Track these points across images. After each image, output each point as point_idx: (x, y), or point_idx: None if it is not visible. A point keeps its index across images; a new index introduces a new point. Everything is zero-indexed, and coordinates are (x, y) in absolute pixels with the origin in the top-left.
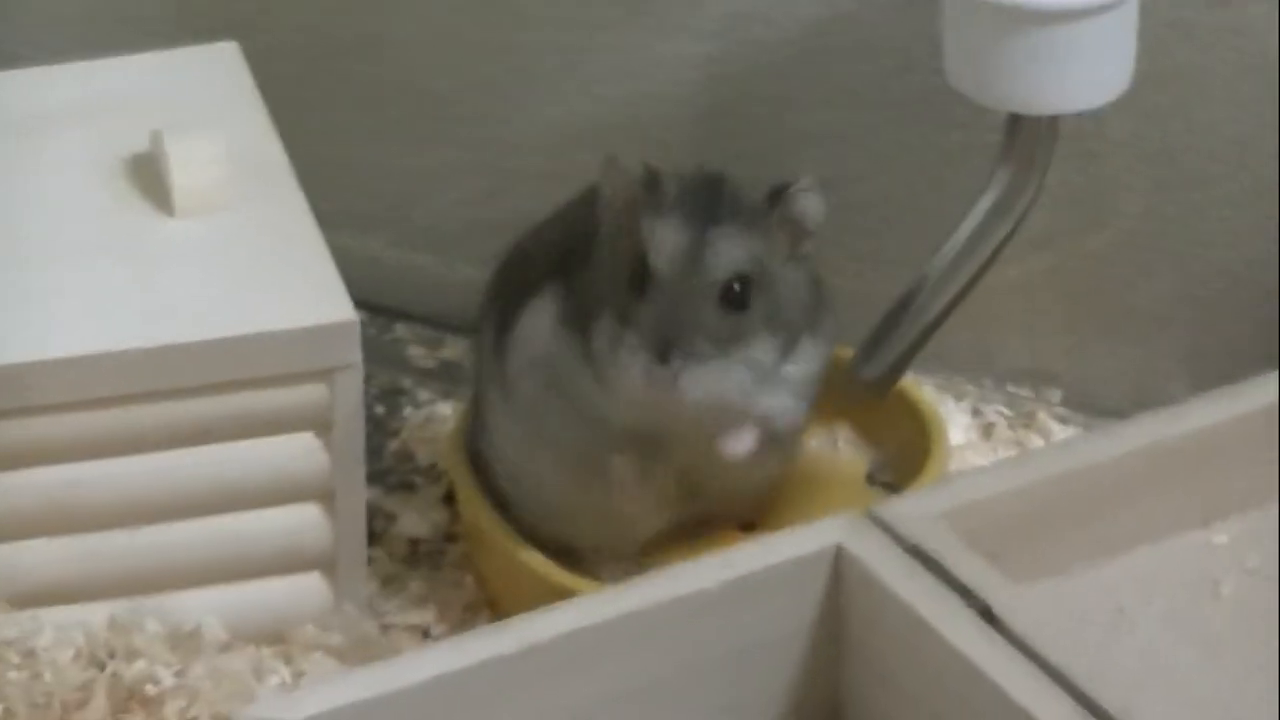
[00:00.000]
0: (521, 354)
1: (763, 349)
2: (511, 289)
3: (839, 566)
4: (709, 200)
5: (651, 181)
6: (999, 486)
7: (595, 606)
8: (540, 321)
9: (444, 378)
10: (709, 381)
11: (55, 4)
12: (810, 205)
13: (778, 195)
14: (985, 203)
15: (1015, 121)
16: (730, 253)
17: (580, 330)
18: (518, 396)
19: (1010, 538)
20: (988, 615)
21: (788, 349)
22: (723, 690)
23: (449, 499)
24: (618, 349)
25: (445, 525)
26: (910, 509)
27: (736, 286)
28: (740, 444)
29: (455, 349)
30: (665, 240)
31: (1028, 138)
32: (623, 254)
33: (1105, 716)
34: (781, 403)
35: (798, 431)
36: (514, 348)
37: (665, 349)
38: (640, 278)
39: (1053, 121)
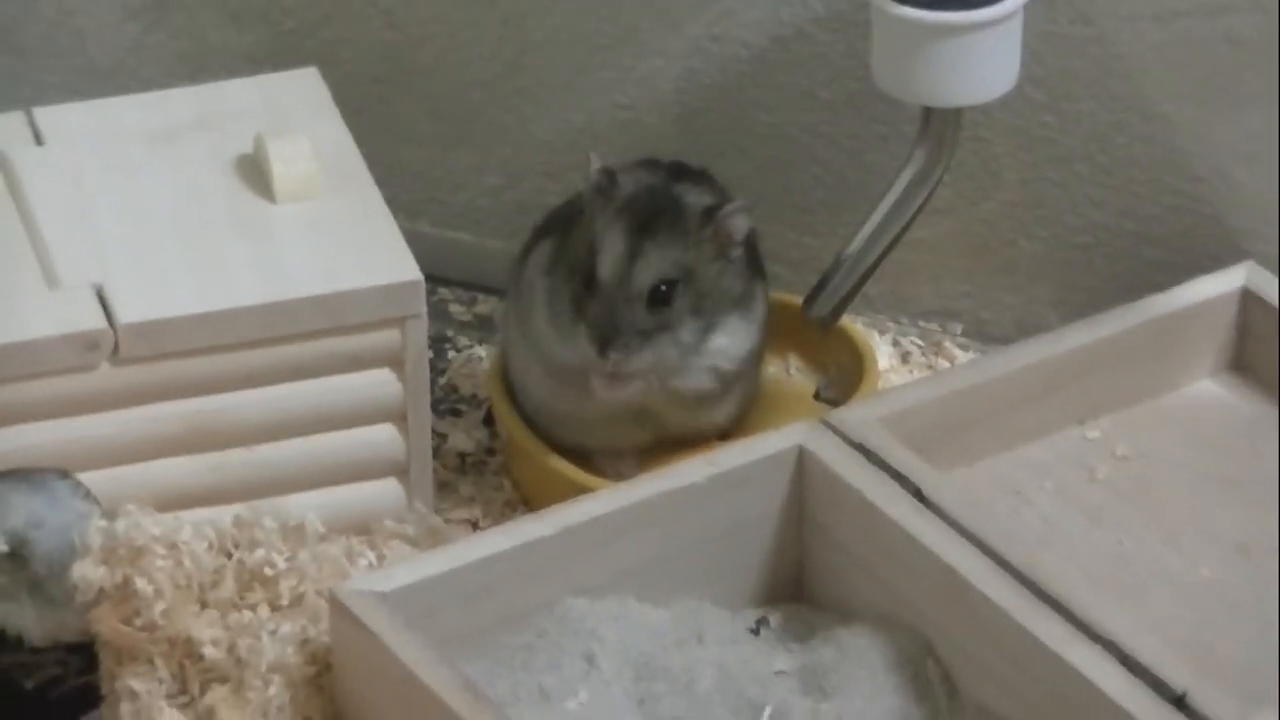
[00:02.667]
0: (523, 286)
1: (686, 331)
2: (529, 246)
3: (801, 462)
4: (649, 212)
5: (607, 186)
6: (922, 397)
7: (612, 497)
8: (539, 262)
9: (479, 328)
10: (638, 364)
11: (174, 42)
12: (736, 223)
13: (710, 213)
14: (905, 178)
15: (928, 113)
16: (657, 264)
17: (553, 286)
18: (517, 322)
19: (932, 436)
20: (919, 495)
21: (710, 329)
22: (711, 561)
23: (488, 421)
24: (575, 337)
25: (486, 442)
26: (855, 416)
27: (662, 288)
28: (610, 391)
29: (487, 305)
30: (608, 249)
31: (938, 125)
32: (583, 247)
33: (1014, 570)
34: (696, 375)
35: (747, 387)
36: (519, 282)
37: (604, 346)
38: (590, 279)
39: (958, 112)
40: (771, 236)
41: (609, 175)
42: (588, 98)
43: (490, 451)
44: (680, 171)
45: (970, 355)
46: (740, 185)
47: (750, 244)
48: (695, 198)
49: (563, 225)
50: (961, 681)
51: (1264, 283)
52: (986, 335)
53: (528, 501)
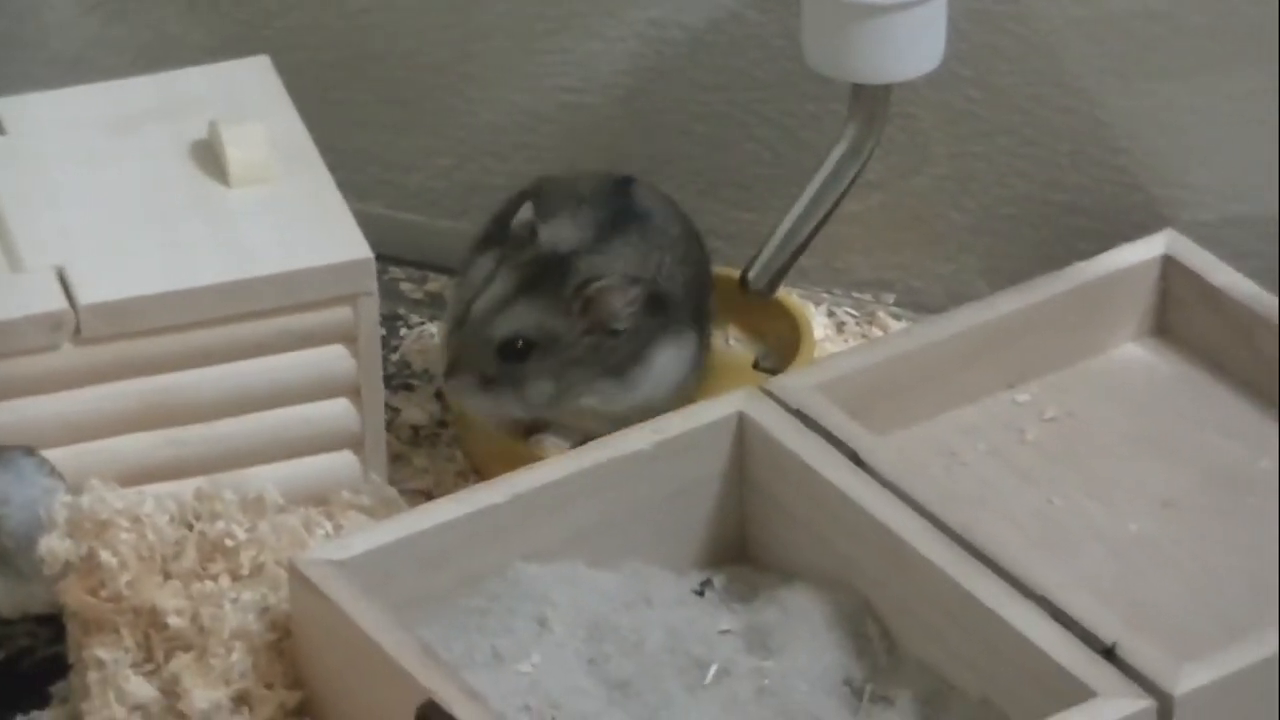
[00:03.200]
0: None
1: (536, 390)
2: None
3: (742, 428)
4: (540, 273)
5: (526, 238)
6: (857, 364)
7: (562, 465)
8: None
9: (430, 305)
10: (475, 404)
11: (134, 34)
12: (608, 299)
13: (581, 286)
14: (836, 153)
15: (858, 90)
16: (515, 323)
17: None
18: None
19: (867, 402)
20: (855, 459)
21: (569, 391)
22: (658, 524)
23: (439, 395)
24: (444, 349)
25: (438, 415)
26: (793, 384)
27: (519, 344)
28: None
29: (437, 284)
30: (490, 292)
31: (868, 102)
32: (485, 277)
33: (950, 530)
34: (554, 432)
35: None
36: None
37: (448, 373)
38: (469, 305)
39: (887, 89)
40: (709, 213)
41: (530, 228)
42: (533, 81)
43: (442, 424)
44: (607, 206)
45: (903, 324)
46: (680, 163)
47: (680, 286)
48: (599, 264)
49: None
50: (900, 638)
51: (1184, 249)
52: (919, 304)
53: (479, 471)
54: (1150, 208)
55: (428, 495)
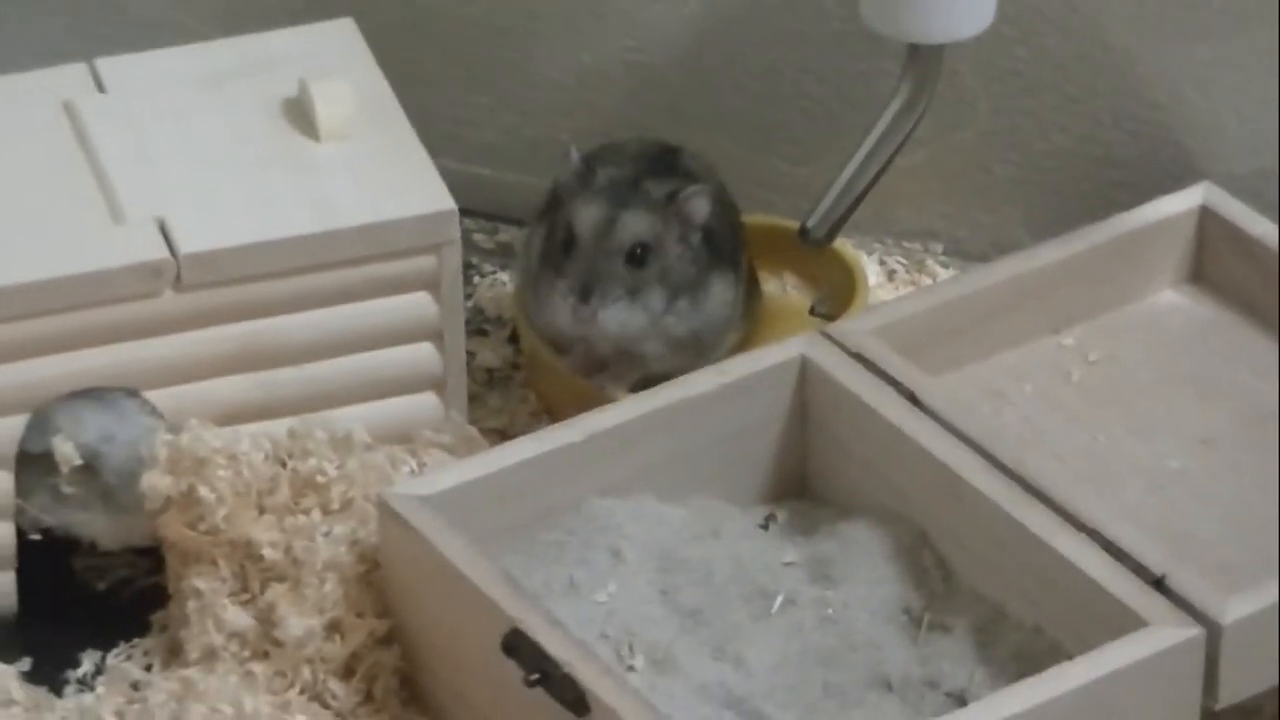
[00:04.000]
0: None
1: (655, 297)
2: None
3: (804, 370)
4: (625, 190)
5: (586, 172)
6: (911, 310)
7: (634, 405)
8: (534, 244)
9: (501, 255)
10: (621, 317)
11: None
12: (695, 205)
13: (673, 195)
14: (892, 109)
15: (914, 49)
16: (634, 227)
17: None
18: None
19: (920, 345)
20: (912, 399)
21: (670, 304)
22: (723, 461)
23: (512, 339)
24: (551, 294)
25: (511, 358)
26: (852, 328)
27: (638, 250)
28: (584, 371)
29: (507, 235)
30: (586, 217)
31: (923, 61)
32: (560, 226)
33: (1001, 465)
34: (654, 347)
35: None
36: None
37: (587, 292)
38: (569, 244)
39: (940, 48)
40: (765, 167)
41: (588, 164)
42: (596, 41)
43: (515, 366)
44: (655, 162)
45: (950, 272)
46: (736, 120)
47: (724, 232)
48: (660, 189)
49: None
50: (955, 569)
51: (1220, 200)
52: (964, 253)
53: (550, 411)
54: (1185, 161)
55: (502, 434)
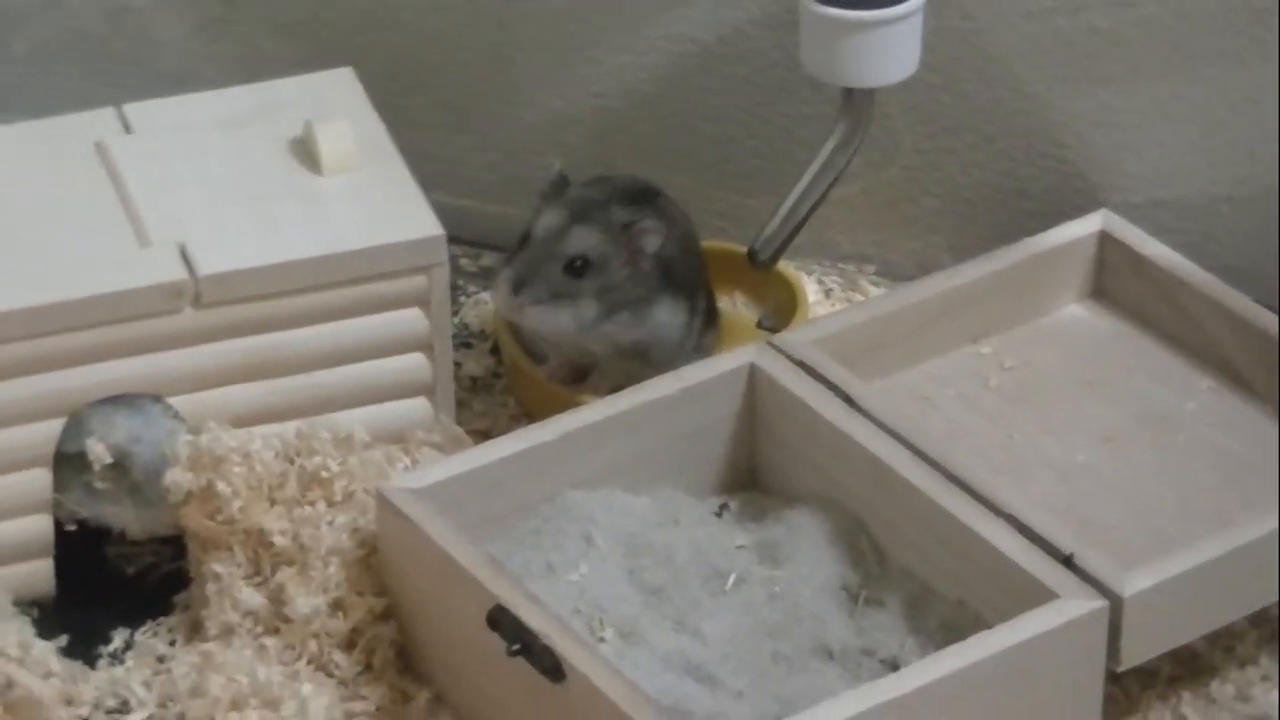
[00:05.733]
0: None
1: (587, 307)
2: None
3: (753, 376)
4: (588, 208)
5: (560, 184)
6: (848, 323)
7: (601, 408)
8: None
9: (483, 277)
10: (545, 316)
11: (234, 49)
12: (647, 240)
13: (630, 225)
14: (829, 147)
15: (848, 93)
16: (580, 241)
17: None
18: None
19: (856, 355)
20: (849, 401)
21: (606, 315)
22: (682, 457)
23: (494, 351)
24: (496, 280)
25: (493, 368)
26: (795, 340)
27: (578, 262)
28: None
29: (489, 259)
30: (545, 221)
31: (856, 103)
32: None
33: (929, 459)
34: (601, 349)
35: (666, 354)
36: None
37: (519, 285)
38: (523, 240)
39: (872, 92)
40: (718, 199)
41: (563, 177)
42: (567, 88)
43: (496, 375)
44: (632, 195)
45: (881, 290)
46: (692, 158)
47: (683, 268)
48: (623, 216)
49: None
50: (888, 551)
51: (1117, 225)
52: (894, 274)
53: (528, 414)
54: (1090, 193)
55: (486, 435)
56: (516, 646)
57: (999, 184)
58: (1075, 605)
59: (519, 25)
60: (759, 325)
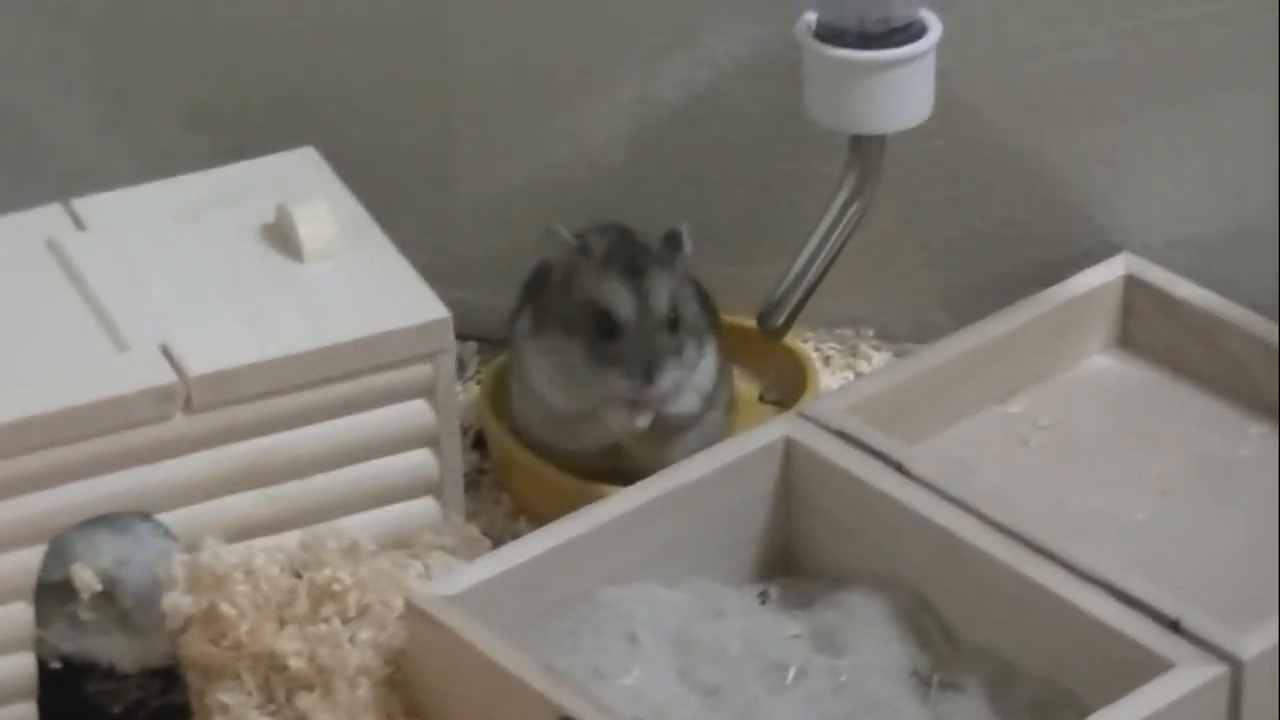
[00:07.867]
0: (515, 349)
1: (690, 350)
2: (515, 312)
3: (788, 450)
4: (630, 254)
5: (584, 247)
6: (877, 388)
7: (637, 494)
8: (523, 328)
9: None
10: (673, 377)
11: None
12: (687, 241)
13: (673, 237)
14: (839, 200)
15: (857, 141)
16: (662, 292)
17: (551, 345)
18: (517, 378)
19: (889, 418)
20: (900, 469)
21: (699, 349)
22: (718, 542)
23: (477, 444)
24: (602, 382)
25: (477, 464)
26: (827, 407)
27: (672, 315)
28: (629, 422)
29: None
30: (615, 295)
31: (866, 150)
32: (576, 304)
33: (999, 525)
34: (687, 399)
35: (709, 428)
36: (513, 344)
37: (649, 373)
38: (607, 328)
39: (882, 139)
40: (698, 267)
41: (583, 239)
42: (526, 160)
43: (481, 471)
44: (630, 231)
45: (882, 355)
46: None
47: (703, 309)
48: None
49: (535, 292)
50: (957, 628)
51: (1142, 268)
52: (890, 337)
53: (525, 510)
54: (1099, 236)
55: (486, 535)
56: None
57: (997, 233)
58: (1193, 674)
59: (470, 92)
60: (761, 399)
